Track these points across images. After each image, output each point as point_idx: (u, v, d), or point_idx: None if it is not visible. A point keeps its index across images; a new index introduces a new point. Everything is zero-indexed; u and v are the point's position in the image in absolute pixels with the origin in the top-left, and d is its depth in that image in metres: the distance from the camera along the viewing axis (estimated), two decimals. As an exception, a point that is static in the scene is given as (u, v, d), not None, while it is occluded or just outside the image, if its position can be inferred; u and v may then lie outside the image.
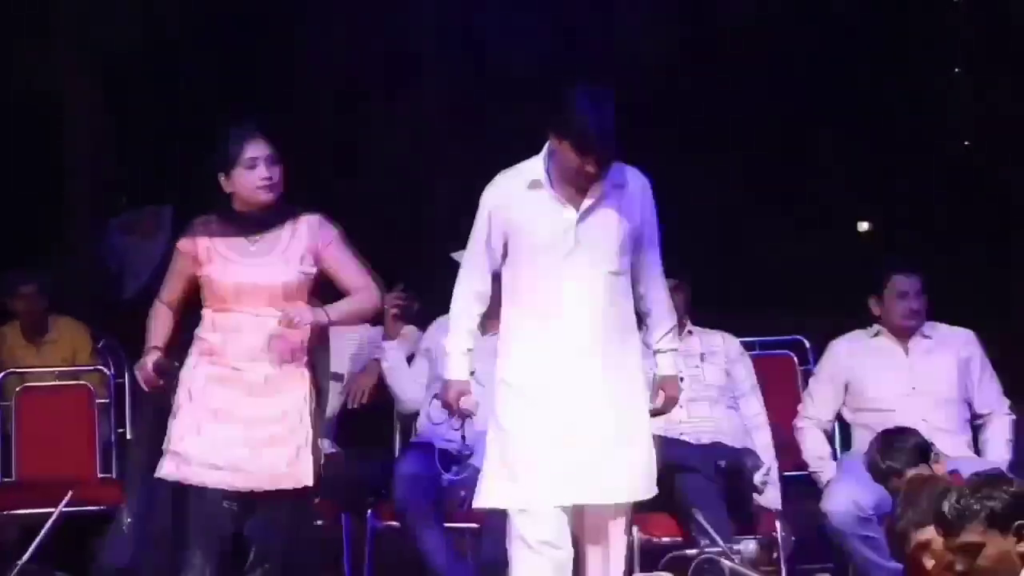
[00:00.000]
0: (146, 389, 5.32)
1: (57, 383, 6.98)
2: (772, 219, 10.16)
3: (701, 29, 10.03)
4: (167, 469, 5.24)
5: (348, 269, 5.34)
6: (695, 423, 6.08)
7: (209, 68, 9.82)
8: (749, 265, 9.89)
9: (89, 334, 7.36)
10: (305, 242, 5.29)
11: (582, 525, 5.10)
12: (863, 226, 11.24)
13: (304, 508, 5.32)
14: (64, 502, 6.16)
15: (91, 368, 7.09)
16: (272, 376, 5.25)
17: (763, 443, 6.15)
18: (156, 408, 5.34)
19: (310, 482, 5.23)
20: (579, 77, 5.12)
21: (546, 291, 5.05)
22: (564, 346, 5.04)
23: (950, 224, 10.16)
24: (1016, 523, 3.79)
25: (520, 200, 5.07)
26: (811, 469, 6.22)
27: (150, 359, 5.29)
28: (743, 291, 9.10)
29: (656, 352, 5.25)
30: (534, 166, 5.08)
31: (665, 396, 5.24)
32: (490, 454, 5.13)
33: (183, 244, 5.33)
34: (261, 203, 5.27)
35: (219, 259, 5.26)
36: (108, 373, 7.00)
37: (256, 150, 5.24)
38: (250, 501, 5.21)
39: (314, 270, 5.32)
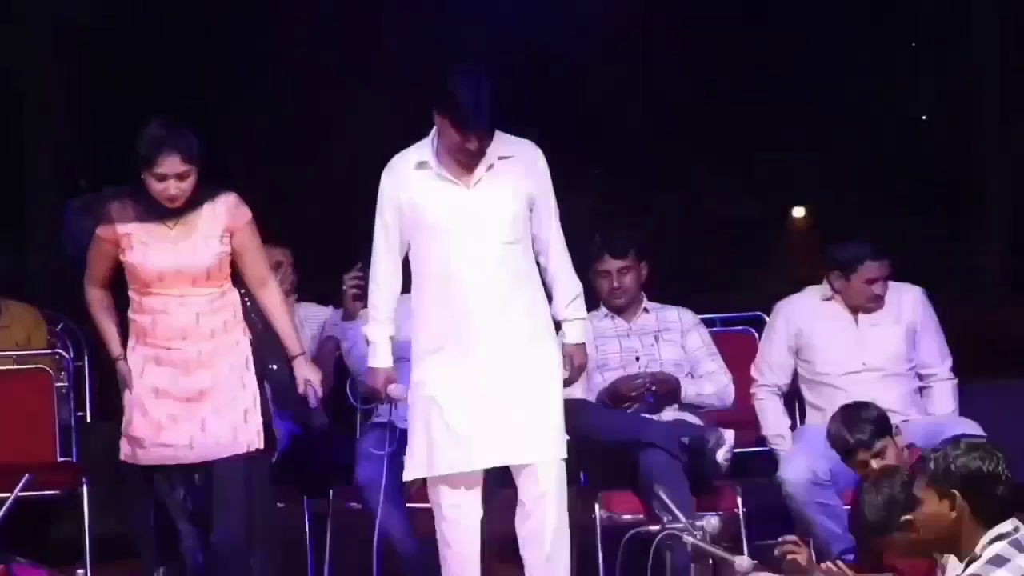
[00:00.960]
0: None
1: (13, 367, 6.92)
2: (731, 195, 10.18)
3: (664, 15, 10.05)
4: (124, 452, 5.32)
5: (253, 256, 5.34)
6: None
7: (174, 47, 9.77)
8: (708, 242, 9.91)
9: (44, 318, 7.28)
10: (224, 221, 5.28)
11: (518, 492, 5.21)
12: (798, 211, 11.28)
13: (259, 471, 5.28)
14: (21, 485, 6.12)
15: (49, 352, 7.03)
16: (206, 349, 5.25)
17: (718, 385, 6.10)
18: None
19: (261, 445, 5.25)
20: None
21: (446, 268, 5.16)
22: (468, 319, 5.13)
23: (907, 198, 10.20)
24: (952, 490, 3.85)
25: (409, 181, 5.19)
26: (770, 445, 6.22)
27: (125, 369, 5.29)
28: (703, 268, 9.12)
29: (563, 321, 5.33)
30: (421, 147, 5.21)
31: (573, 365, 5.32)
32: (412, 427, 5.24)
33: (102, 231, 5.28)
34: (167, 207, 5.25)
35: (139, 246, 5.25)
36: (67, 357, 6.95)
37: (167, 167, 5.17)
38: (204, 472, 5.22)
39: (230, 248, 5.32)
